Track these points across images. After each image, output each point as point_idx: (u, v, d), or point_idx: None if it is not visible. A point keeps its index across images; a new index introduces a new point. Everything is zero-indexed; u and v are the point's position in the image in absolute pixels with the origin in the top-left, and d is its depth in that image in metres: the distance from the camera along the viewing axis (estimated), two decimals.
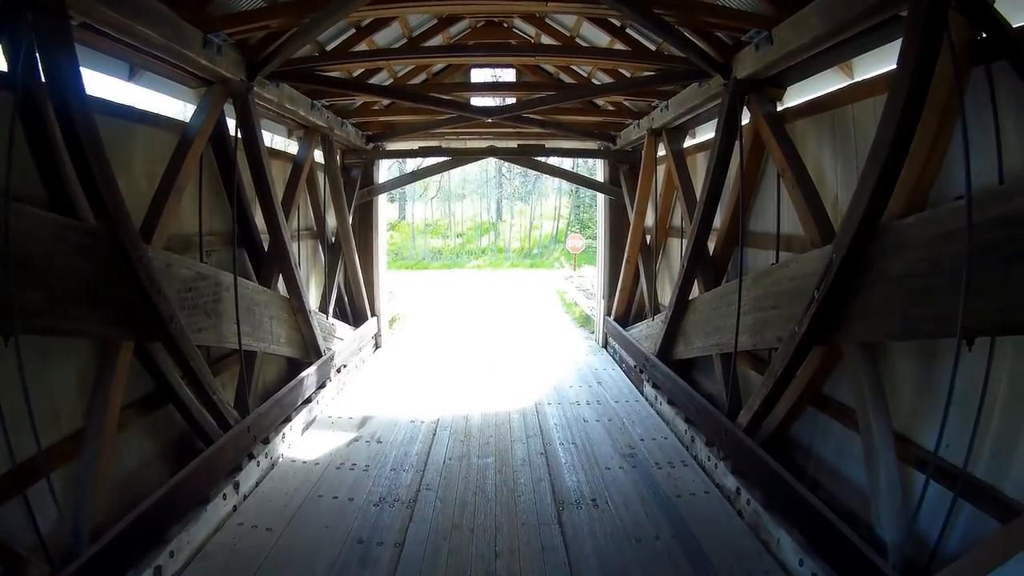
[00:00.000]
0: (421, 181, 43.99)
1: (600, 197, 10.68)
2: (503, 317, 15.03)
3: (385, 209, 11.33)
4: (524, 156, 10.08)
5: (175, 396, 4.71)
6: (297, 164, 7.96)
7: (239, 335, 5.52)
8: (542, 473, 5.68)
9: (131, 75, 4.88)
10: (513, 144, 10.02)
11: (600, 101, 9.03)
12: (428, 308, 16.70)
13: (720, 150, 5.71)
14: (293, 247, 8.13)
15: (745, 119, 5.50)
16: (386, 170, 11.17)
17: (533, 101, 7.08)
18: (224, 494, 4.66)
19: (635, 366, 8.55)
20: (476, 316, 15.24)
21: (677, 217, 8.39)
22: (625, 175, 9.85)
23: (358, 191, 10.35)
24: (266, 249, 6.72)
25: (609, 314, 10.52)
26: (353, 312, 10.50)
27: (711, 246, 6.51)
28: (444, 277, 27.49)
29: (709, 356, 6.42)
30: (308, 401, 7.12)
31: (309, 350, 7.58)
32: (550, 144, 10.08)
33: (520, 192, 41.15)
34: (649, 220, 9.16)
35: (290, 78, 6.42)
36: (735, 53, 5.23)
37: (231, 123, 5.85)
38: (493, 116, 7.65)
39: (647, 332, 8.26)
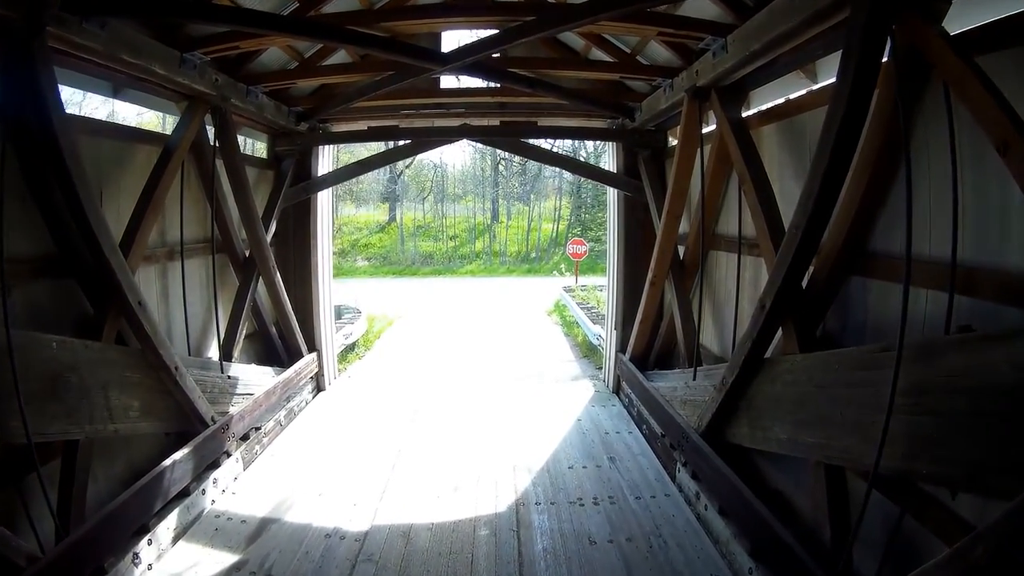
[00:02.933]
0: (415, 180, 41.86)
1: (611, 193, 8.02)
2: (490, 339, 12.38)
3: (329, 208, 8.70)
4: (509, 137, 7.41)
5: None
6: (168, 148, 5.39)
7: (25, 423, 3.32)
8: None
9: None
10: (494, 122, 7.37)
11: (609, 56, 6.39)
12: (402, 328, 14.06)
13: (849, 105, 3.10)
14: (155, 269, 5.69)
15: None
16: (331, 160, 8.53)
17: (514, 32, 4.35)
18: None
19: (662, 434, 5.95)
20: (458, 338, 12.61)
21: (729, 222, 5.76)
22: (647, 163, 7.19)
23: (288, 188, 7.78)
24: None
25: (623, 350, 7.90)
26: (286, 348, 7.96)
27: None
28: (432, 286, 24.85)
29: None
30: (185, 494, 4.77)
31: (191, 418, 5.14)
32: (544, 122, 7.39)
33: (518, 192, 38.65)
34: (683, 225, 6.53)
35: (117, 8, 3.88)
36: None
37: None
38: (452, 64, 4.98)
39: (685, 393, 5.62)
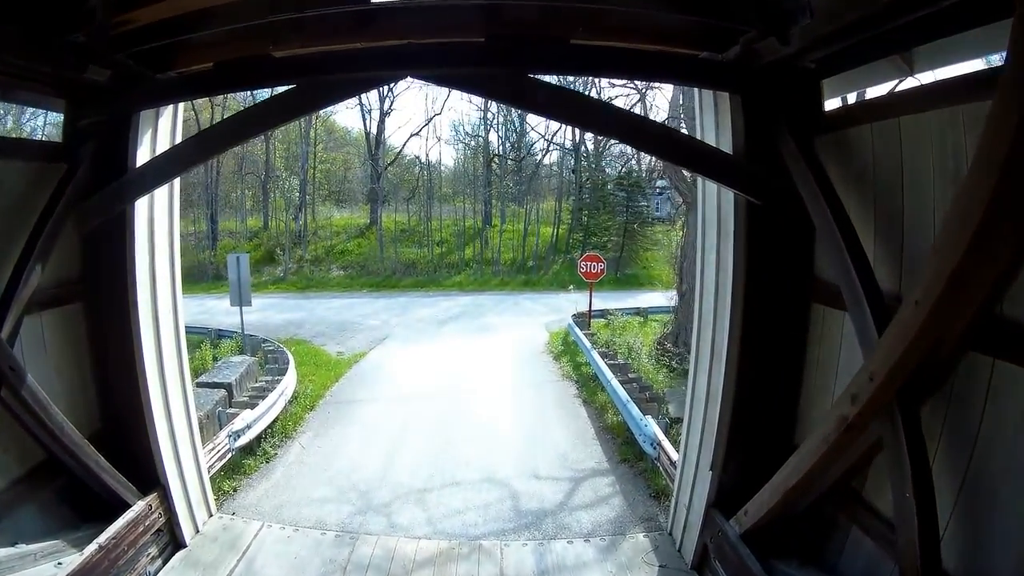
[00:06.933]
0: (400, 179, 37.12)
1: (709, 197, 4.09)
2: (471, 412, 8.39)
3: (168, 226, 4.71)
4: (506, 69, 3.36)
5: None
6: None
7: None
8: None
9: None
10: (477, 37, 3.33)
11: None
12: (352, 382, 10.01)
13: None
14: None
15: None
16: (169, 136, 4.57)
17: None
18: None
19: None
20: (425, 404, 8.63)
21: None
22: (798, 141, 3.30)
23: (73, 196, 4.02)
24: None
25: (721, 506, 4.10)
26: (99, 489, 4.44)
27: None
28: (411, 304, 20.83)
29: None
30: None
31: None
32: (580, 39, 3.31)
33: (512, 192, 34.78)
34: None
35: None
36: None
37: None
38: None
39: None
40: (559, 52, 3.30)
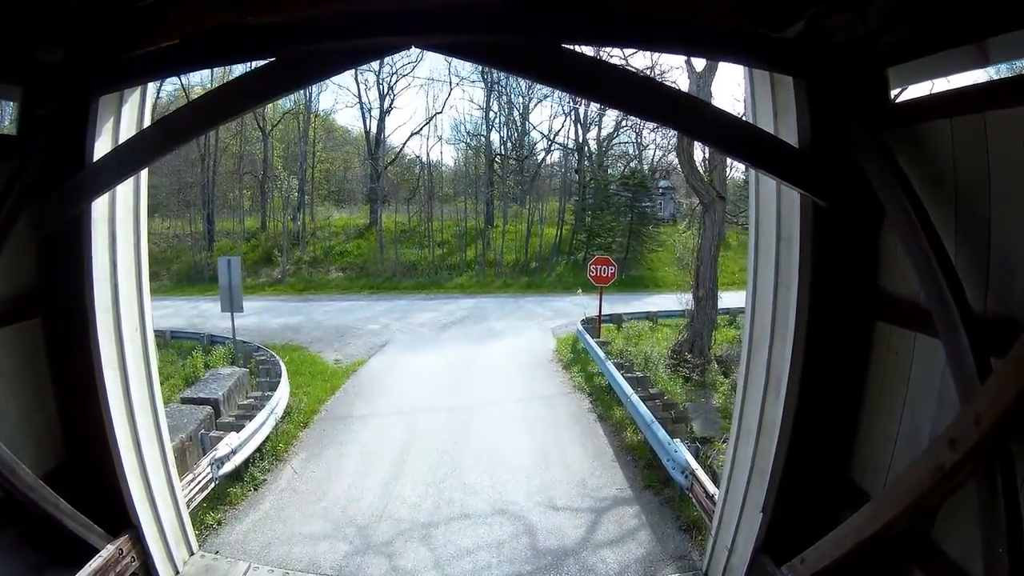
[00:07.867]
0: (400, 178, 36.34)
1: (762, 195, 3.52)
2: (474, 440, 7.80)
3: (132, 229, 4.15)
4: (531, 36, 2.75)
5: None
6: None
7: None
8: None
9: None
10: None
11: None
12: (349, 394, 9.43)
13: None
14: None
15: None
16: (136, 125, 4.00)
17: None
18: None
19: None
20: (427, 415, 8.06)
21: None
22: (872, 132, 2.74)
23: (17, 197, 3.42)
24: None
25: (771, 550, 3.55)
26: (63, 534, 3.90)
27: None
28: (412, 307, 20.26)
29: None
30: None
31: None
32: (622, 6, 2.73)
33: (514, 192, 34.23)
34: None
35: None
36: None
37: None
38: None
39: None
40: (598, 19, 2.70)
